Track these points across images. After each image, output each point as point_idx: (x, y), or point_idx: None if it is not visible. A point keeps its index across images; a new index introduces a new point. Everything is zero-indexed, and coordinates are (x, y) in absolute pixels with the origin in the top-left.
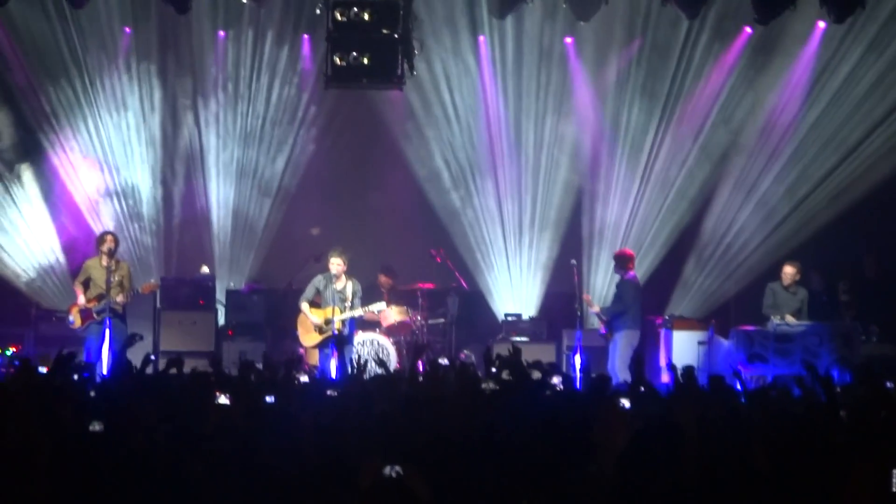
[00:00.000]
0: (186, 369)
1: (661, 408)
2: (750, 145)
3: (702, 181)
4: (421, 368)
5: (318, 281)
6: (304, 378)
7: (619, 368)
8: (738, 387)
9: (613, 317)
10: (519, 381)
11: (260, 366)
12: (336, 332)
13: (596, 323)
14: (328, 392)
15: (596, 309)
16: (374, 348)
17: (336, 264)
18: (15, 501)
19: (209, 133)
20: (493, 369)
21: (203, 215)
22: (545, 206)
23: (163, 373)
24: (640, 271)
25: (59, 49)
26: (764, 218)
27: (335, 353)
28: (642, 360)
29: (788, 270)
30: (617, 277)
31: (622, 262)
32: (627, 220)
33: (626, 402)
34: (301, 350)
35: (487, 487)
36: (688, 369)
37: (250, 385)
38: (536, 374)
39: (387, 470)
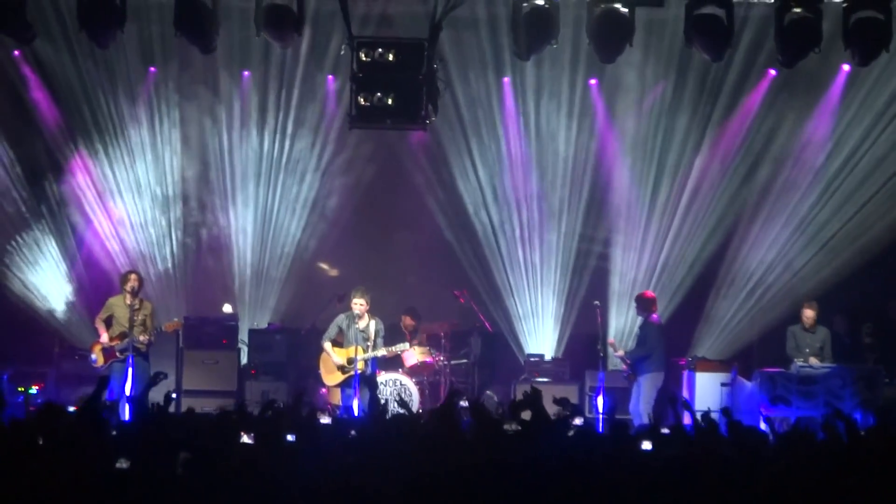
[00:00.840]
0: (210, 408)
1: (686, 450)
2: (774, 188)
3: (725, 223)
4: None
5: (341, 320)
6: (326, 419)
7: (642, 411)
8: (765, 429)
9: (638, 360)
10: (540, 422)
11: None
12: (358, 371)
13: (619, 364)
14: (351, 432)
15: (620, 353)
16: (397, 388)
17: (358, 304)
18: None
19: (233, 172)
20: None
21: (226, 254)
22: (569, 248)
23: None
24: (664, 312)
25: (83, 86)
26: (788, 259)
27: (357, 393)
28: (676, 399)
29: (808, 313)
30: (640, 320)
31: (645, 304)
32: (651, 262)
33: (647, 445)
34: (323, 390)
35: None
36: (706, 415)
37: (274, 425)
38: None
39: None
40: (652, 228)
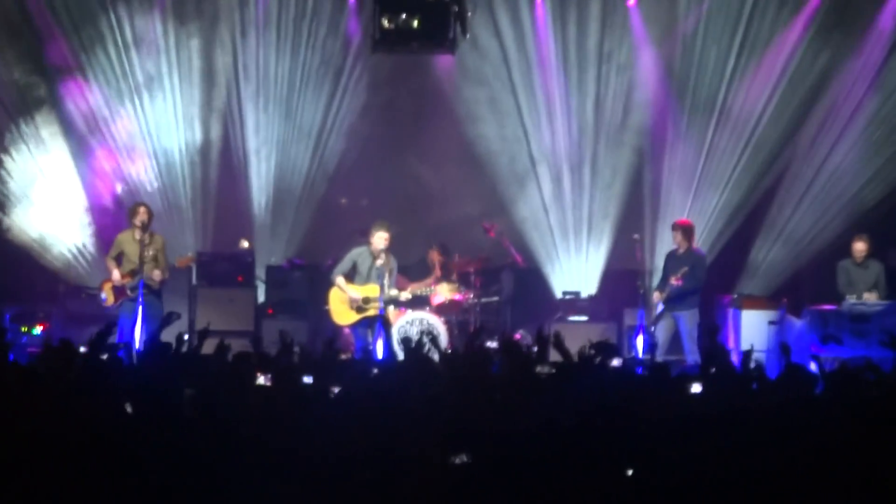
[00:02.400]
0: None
1: (736, 393)
2: (822, 115)
3: (772, 150)
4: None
5: (358, 254)
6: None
7: (690, 350)
8: (815, 370)
9: (685, 294)
10: (576, 365)
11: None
12: (383, 310)
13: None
14: (373, 371)
15: (678, 281)
16: (424, 328)
17: (383, 238)
18: (44, 485)
19: (248, 99)
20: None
21: (242, 186)
22: (606, 177)
23: (196, 350)
24: (707, 244)
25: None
26: (839, 190)
27: (381, 335)
28: (715, 332)
29: (858, 246)
30: (681, 249)
31: (688, 232)
32: (694, 192)
33: (696, 387)
34: (347, 330)
35: (544, 475)
36: (746, 354)
37: (293, 366)
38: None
39: (452, 458)
40: (694, 156)
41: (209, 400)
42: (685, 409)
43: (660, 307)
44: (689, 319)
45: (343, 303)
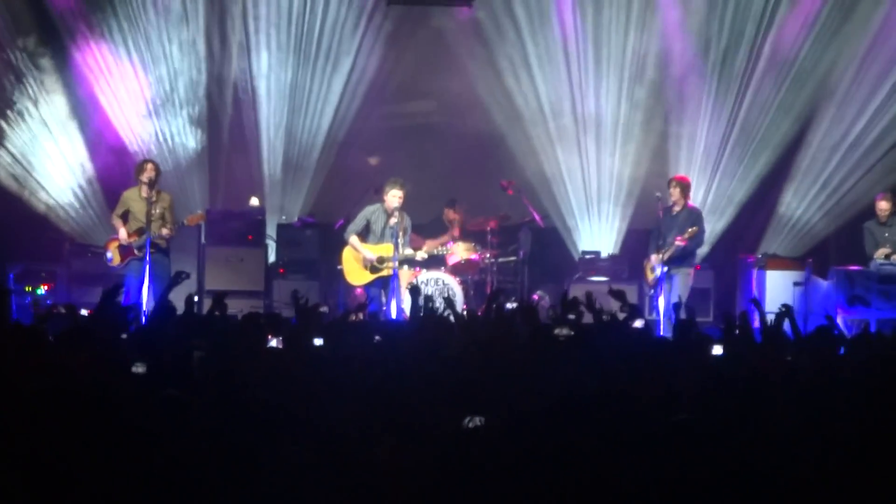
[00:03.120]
0: (234, 310)
1: (755, 356)
2: (851, 71)
3: (799, 108)
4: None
5: (371, 212)
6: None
7: (673, 309)
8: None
9: (685, 254)
10: (595, 327)
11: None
12: (397, 270)
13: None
14: (386, 336)
15: (683, 241)
16: (439, 288)
17: (397, 196)
18: (47, 448)
19: (260, 50)
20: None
21: (253, 142)
22: (627, 134)
23: (209, 314)
24: (729, 204)
25: None
26: (867, 147)
27: (395, 295)
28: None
29: (882, 205)
30: (679, 206)
31: (688, 189)
32: (718, 150)
33: (718, 350)
34: (359, 290)
35: (561, 439)
36: (779, 315)
37: (303, 328)
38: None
39: (466, 421)
40: (718, 111)
41: (219, 361)
42: (708, 372)
43: (658, 269)
44: (683, 280)
45: (357, 262)
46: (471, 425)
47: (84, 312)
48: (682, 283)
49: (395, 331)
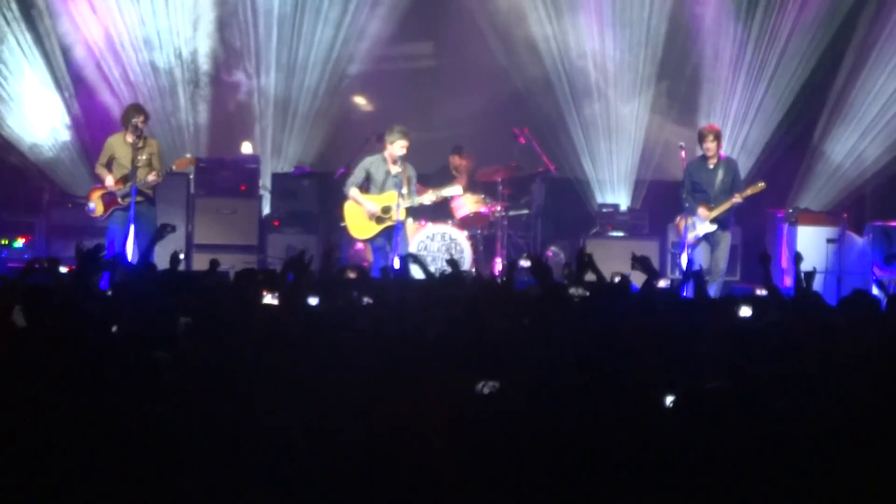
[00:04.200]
0: (226, 265)
1: (786, 317)
2: (886, 12)
3: (834, 48)
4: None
5: (370, 163)
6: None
7: (723, 271)
8: (878, 293)
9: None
10: (614, 287)
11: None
12: (401, 221)
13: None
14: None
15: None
16: (446, 244)
17: (401, 146)
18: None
19: None
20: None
21: (246, 83)
22: (648, 81)
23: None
24: (757, 154)
25: None
26: None
27: (398, 248)
28: (769, 258)
29: None
30: (718, 157)
31: (721, 138)
32: (745, 95)
33: (746, 311)
34: (359, 245)
35: (577, 404)
36: (808, 275)
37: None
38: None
39: (479, 385)
40: (746, 56)
41: (208, 323)
42: (734, 335)
43: (703, 226)
44: (727, 239)
45: (360, 215)
46: (485, 390)
47: (63, 270)
48: (727, 244)
49: (396, 289)
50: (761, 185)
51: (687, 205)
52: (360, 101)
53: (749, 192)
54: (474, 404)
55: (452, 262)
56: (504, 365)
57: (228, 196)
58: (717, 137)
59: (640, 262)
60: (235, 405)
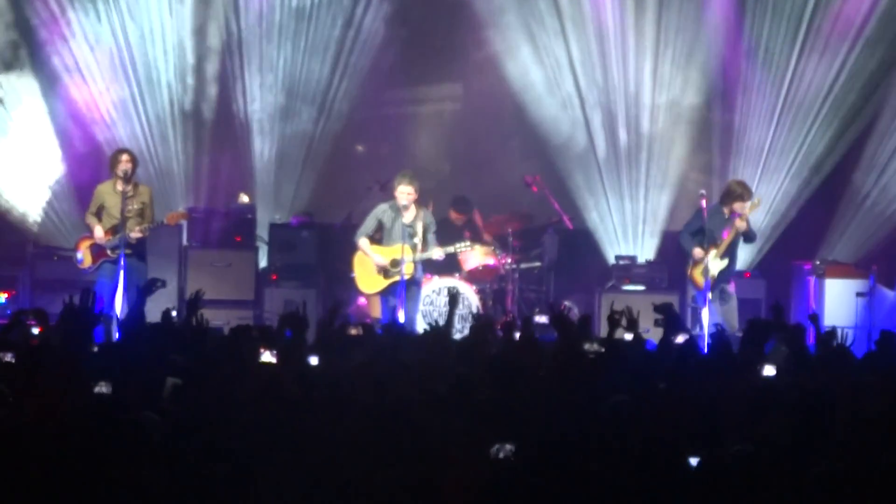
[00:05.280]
0: (220, 321)
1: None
2: None
3: (860, 98)
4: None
5: (382, 211)
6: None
7: (737, 328)
8: None
9: (746, 240)
10: (630, 343)
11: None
12: (405, 277)
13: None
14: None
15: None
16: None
17: (405, 193)
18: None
19: (249, 28)
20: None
21: (241, 131)
22: (668, 129)
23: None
24: (782, 203)
25: None
26: None
27: (404, 304)
28: (782, 310)
29: None
30: (731, 214)
31: None
32: (769, 146)
33: (770, 370)
34: (362, 300)
35: (595, 465)
36: (829, 333)
37: (295, 343)
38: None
39: (494, 450)
40: (769, 97)
41: (202, 380)
42: (756, 393)
43: (713, 264)
44: (733, 292)
45: (368, 267)
46: (501, 455)
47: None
48: (734, 298)
49: (400, 347)
50: (757, 200)
51: (686, 245)
52: (360, 148)
53: (749, 211)
54: (490, 467)
55: (478, 320)
56: (521, 425)
57: (223, 248)
58: (748, 192)
59: (663, 311)
60: (231, 467)
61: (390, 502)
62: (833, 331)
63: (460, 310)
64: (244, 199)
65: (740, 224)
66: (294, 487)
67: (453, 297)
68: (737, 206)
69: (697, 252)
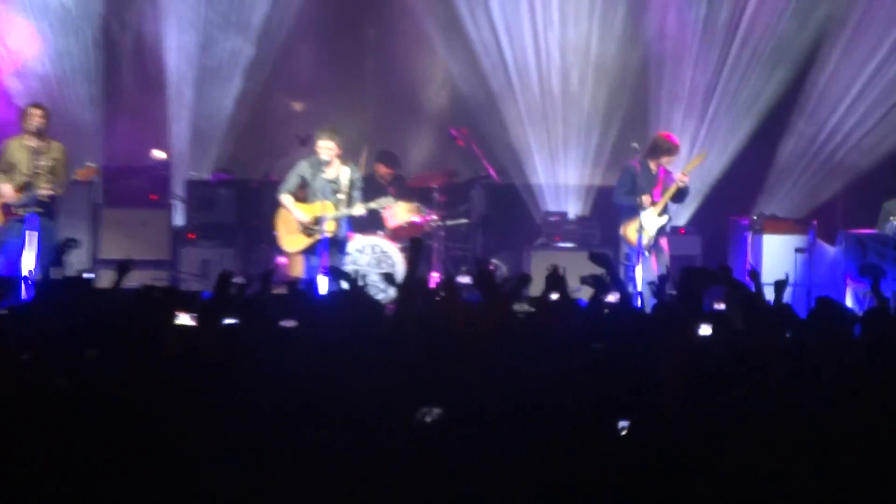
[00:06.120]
0: (135, 283)
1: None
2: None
3: (801, 43)
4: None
5: (304, 168)
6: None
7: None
8: (852, 307)
9: (681, 198)
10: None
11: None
12: (328, 235)
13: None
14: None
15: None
16: (376, 256)
17: (327, 148)
18: None
19: None
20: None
21: (157, 83)
22: (600, 78)
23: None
24: (721, 156)
25: None
26: (884, 88)
27: (326, 263)
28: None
29: None
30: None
31: None
32: (704, 94)
33: (706, 329)
34: (282, 259)
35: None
36: (780, 284)
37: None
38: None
39: (420, 414)
40: (705, 50)
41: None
42: (694, 354)
43: (650, 222)
44: (666, 249)
45: (290, 226)
46: (428, 419)
47: None
48: (665, 251)
49: (321, 308)
50: (703, 153)
51: (627, 202)
52: (293, 103)
53: (691, 165)
54: (415, 434)
55: (389, 278)
56: (447, 389)
57: (137, 206)
58: (677, 149)
59: (598, 259)
60: (149, 436)
61: (314, 470)
62: (785, 281)
63: (384, 268)
64: (160, 154)
65: (683, 180)
66: (214, 455)
67: (388, 277)
68: (664, 160)
69: (647, 199)
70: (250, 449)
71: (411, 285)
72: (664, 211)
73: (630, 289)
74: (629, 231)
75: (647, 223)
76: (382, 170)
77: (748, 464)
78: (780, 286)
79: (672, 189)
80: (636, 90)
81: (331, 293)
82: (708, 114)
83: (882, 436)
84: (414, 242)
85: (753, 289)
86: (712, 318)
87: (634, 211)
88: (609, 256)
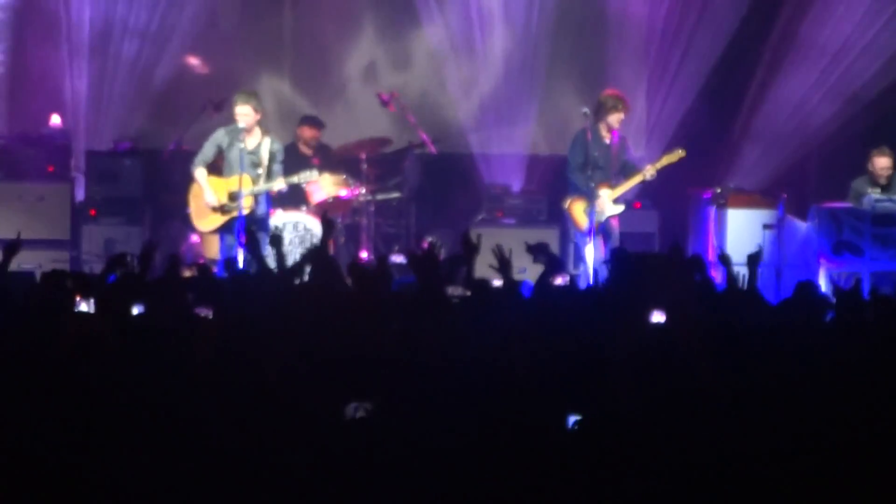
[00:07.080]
0: (31, 264)
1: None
2: None
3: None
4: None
5: (220, 137)
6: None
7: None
8: (825, 289)
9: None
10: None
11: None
12: (244, 211)
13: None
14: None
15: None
16: (299, 234)
17: (244, 114)
18: None
19: None
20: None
21: (55, 41)
22: (547, 33)
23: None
24: (679, 124)
25: None
26: (859, 52)
27: (242, 242)
28: (682, 249)
29: (882, 162)
30: (613, 133)
31: None
32: (659, 53)
33: (660, 317)
34: (195, 238)
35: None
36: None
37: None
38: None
39: (350, 410)
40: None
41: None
42: (646, 342)
43: (607, 208)
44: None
45: (204, 201)
46: (357, 414)
47: None
48: (615, 229)
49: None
50: (680, 152)
51: (581, 185)
52: (194, 62)
53: (664, 161)
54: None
55: (312, 255)
56: (376, 382)
57: (33, 180)
58: (628, 111)
59: (535, 250)
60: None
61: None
62: (759, 253)
63: (308, 247)
64: (56, 120)
65: (649, 172)
66: (117, 449)
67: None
68: (612, 119)
69: (605, 192)
70: (153, 447)
71: (323, 268)
72: (620, 199)
73: (580, 269)
74: (575, 209)
75: (604, 206)
76: (307, 132)
77: (708, 454)
78: (753, 261)
79: (635, 179)
80: (591, 49)
81: (243, 274)
82: (664, 74)
83: (853, 421)
84: (324, 223)
85: (726, 274)
86: (665, 304)
87: (590, 191)
88: (548, 246)
